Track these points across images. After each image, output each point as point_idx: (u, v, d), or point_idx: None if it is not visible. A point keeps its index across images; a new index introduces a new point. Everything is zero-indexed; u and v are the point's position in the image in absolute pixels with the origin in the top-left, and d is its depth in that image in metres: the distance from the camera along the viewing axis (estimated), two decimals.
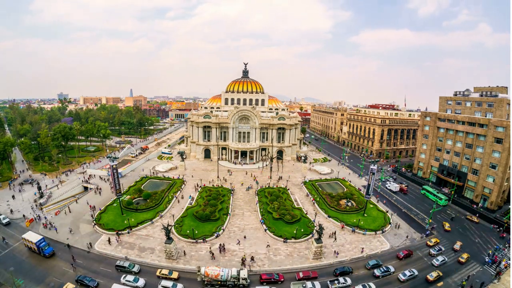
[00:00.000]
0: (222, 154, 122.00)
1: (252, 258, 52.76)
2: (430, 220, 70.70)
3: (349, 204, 76.32)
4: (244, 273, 46.10)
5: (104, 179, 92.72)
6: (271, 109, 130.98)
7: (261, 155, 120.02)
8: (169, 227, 52.73)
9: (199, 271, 46.52)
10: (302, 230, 61.70)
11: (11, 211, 68.84)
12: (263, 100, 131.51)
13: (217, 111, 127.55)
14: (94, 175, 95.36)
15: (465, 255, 56.13)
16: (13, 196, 76.88)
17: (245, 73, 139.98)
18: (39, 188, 77.52)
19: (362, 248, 57.64)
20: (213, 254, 53.71)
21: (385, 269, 51.06)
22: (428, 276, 49.64)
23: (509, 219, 69.42)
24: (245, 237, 60.34)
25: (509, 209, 74.47)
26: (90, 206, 71.12)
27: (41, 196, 76.59)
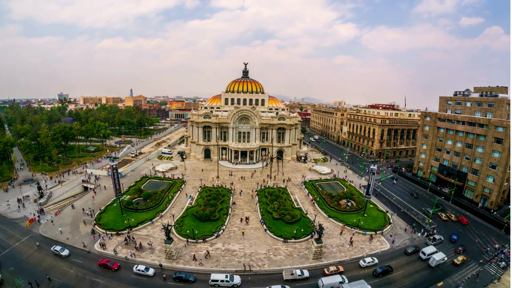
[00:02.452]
0: (222, 154, 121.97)
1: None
2: (430, 220, 70.73)
3: (349, 204, 76.31)
4: None
5: (100, 185, 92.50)
6: (271, 109, 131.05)
7: (261, 155, 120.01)
8: (169, 227, 52.76)
9: None
10: (302, 230, 61.72)
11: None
12: (263, 100, 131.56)
13: (217, 111, 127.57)
14: (95, 175, 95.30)
15: (460, 257, 55.76)
16: (19, 200, 74.64)
17: (245, 73, 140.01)
18: (39, 188, 77.51)
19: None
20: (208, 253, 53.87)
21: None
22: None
23: (509, 219, 69.43)
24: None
25: (509, 209, 74.45)
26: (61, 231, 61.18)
27: (41, 196, 76.61)
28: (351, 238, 60.69)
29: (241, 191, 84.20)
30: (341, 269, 50.87)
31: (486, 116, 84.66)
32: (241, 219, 67.70)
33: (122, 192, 72.66)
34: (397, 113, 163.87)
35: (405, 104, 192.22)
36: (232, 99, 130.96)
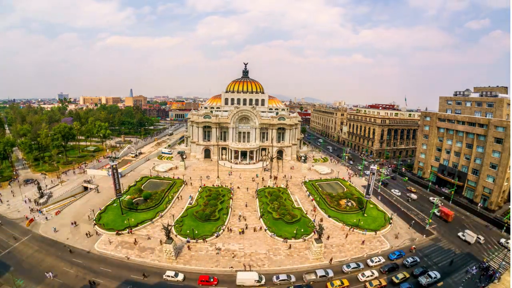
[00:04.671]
0: (222, 154, 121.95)
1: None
2: (430, 220, 70.73)
3: (349, 204, 76.31)
4: None
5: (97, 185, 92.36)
6: (271, 109, 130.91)
7: (261, 155, 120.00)
8: (169, 227, 52.75)
9: None
10: (302, 230, 61.72)
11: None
12: (263, 100, 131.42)
13: (217, 111, 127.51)
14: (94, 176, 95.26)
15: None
16: (23, 201, 74.67)
17: (245, 73, 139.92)
18: (39, 188, 77.46)
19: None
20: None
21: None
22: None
23: (509, 219, 69.44)
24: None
25: (509, 209, 74.49)
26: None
27: (41, 196, 76.58)
28: (363, 242, 60.65)
29: (240, 215, 70.86)
30: None
31: (486, 116, 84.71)
32: (242, 229, 62.88)
33: (122, 192, 72.69)
34: (397, 113, 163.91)
35: (406, 104, 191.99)
36: (232, 99, 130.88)
